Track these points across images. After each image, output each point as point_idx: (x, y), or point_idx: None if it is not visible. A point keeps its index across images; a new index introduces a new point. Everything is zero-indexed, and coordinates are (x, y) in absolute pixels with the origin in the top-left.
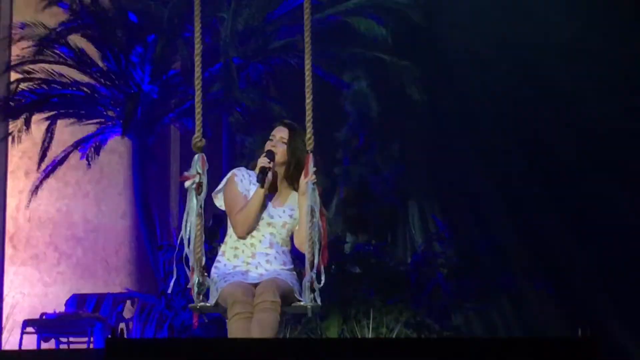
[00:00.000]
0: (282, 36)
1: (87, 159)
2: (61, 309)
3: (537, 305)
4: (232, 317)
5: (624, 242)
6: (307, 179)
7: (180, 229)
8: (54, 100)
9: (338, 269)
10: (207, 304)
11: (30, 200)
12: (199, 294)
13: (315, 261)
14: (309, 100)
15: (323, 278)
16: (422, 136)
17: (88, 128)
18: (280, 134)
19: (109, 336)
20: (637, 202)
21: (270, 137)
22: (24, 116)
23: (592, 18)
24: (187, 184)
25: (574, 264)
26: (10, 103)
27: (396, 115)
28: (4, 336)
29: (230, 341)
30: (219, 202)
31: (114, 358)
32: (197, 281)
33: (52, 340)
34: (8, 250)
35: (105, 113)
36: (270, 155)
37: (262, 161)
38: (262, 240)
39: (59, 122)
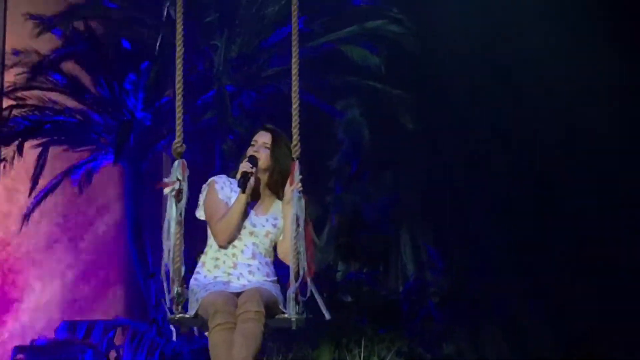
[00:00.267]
0: (274, 64)
1: (79, 186)
2: (51, 335)
3: (530, 332)
4: (213, 328)
5: (618, 267)
6: (293, 187)
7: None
8: (47, 127)
9: (330, 297)
10: (187, 315)
11: (22, 226)
12: (177, 305)
13: (301, 272)
14: (295, 105)
15: (309, 291)
16: (415, 165)
17: (80, 155)
18: (263, 139)
19: None
20: (631, 232)
21: (252, 142)
22: (16, 142)
23: (591, 49)
24: (166, 190)
25: (566, 291)
26: (3, 129)
27: (389, 144)
28: None
29: None
30: (199, 212)
31: None
32: (176, 292)
33: None
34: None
35: (98, 140)
36: (253, 160)
37: (244, 166)
38: (244, 250)
39: (51, 148)
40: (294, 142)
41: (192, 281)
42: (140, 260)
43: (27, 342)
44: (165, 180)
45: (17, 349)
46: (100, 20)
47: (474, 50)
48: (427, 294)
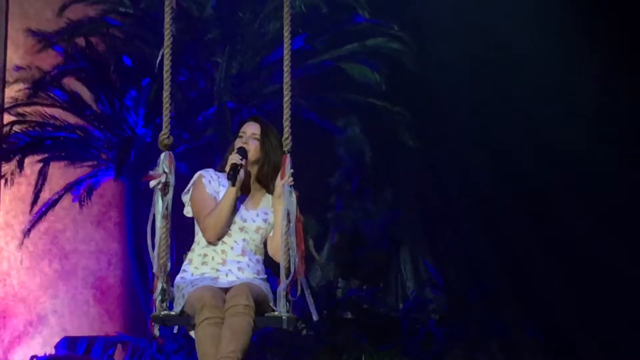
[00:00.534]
0: (275, 81)
1: (80, 202)
2: (52, 351)
3: (528, 352)
4: (200, 323)
5: (618, 288)
6: (284, 182)
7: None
8: (48, 143)
9: (330, 314)
10: (172, 312)
11: (22, 242)
12: (162, 302)
13: (292, 269)
14: (287, 98)
15: (299, 289)
16: (415, 182)
17: (81, 171)
18: (252, 129)
19: None
20: (631, 249)
21: (240, 134)
22: (16, 158)
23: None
24: (152, 183)
25: (565, 311)
26: (3, 145)
27: (389, 161)
28: None
29: None
30: (186, 209)
31: None
32: (160, 288)
33: None
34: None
35: (98, 156)
36: (243, 152)
37: (234, 158)
38: (234, 246)
39: (52, 164)
40: (285, 136)
41: (177, 278)
42: (140, 276)
43: (28, 358)
44: (151, 172)
45: None
46: (101, 37)
47: (474, 68)
48: (427, 312)
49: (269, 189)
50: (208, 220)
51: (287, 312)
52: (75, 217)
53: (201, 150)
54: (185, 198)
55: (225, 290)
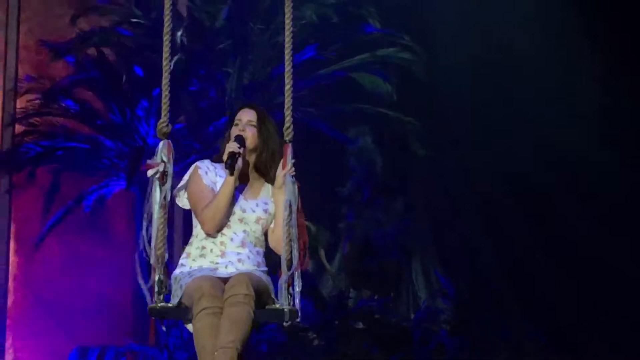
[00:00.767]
0: None
1: (91, 212)
2: None
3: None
4: (198, 313)
5: (619, 289)
6: (286, 172)
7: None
8: (59, 153)
9: (341, 324)
10: (169, 304)
11: (34, 253)
12: (159, 293)
13: (294, 262)
14: (288, 87)
15: (300, 283)
16: (426, 192)
17: (92, 180)
18: (248, 116)
19: None
20: (632, 250)
21: (236, 122)
22: (28, 168)
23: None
24: (149, 172)
25: (567, 312)
26: (15, 155)
27: (400, 171)
28: None
29: None
30: (182, 201)
31: None
32: (157, 279)
33: None
34: (10, 301)
35: (110, 166)
36: (240, 140)
37: (231, 146)
38: (233, 238)
39: (63, 174)
40: (287, 125)
41: (175, 271)
42: (151, 285)
43: None
44: (149, 161)
45: None
46: (112, 47)
47: (476, 70)
48: (439, 322)
49: (268, 178)
50: (206, 212)
51: (289, 305)
52: (86, 227)
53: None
54: (181, 190)
55: (225, 280)
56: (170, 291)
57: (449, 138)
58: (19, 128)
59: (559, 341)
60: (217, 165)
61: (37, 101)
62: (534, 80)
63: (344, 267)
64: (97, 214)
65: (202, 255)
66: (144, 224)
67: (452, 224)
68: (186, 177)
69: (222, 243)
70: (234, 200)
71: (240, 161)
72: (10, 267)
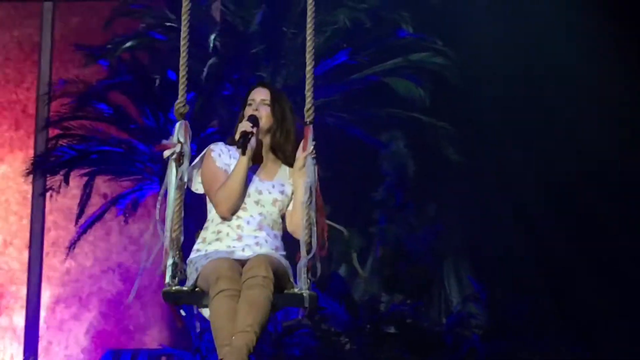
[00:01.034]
0: (319, 95)
1: (125, 215)
2: None
3: None
4: (215, 296)
5: None
6: (306, 153)
7: None
8: (93, 157)
9: (373, 329)
10: (184, 288)
11: (67, 256)
12: (173, 277)
13: (313, 245)
14: (309, 67)
15: (319, 268)
16: (459, 197)
17: (126, 184)
18: (261, 95)
19: None
20: None
21: (249, 102)
22: (62, 172)
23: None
24: (166, 153)
25: (611, 328)
26: (49, 159)
27: (433, 176)
28: None
29: None
30: (195, 185)
31: None
32: (172, 262)
33: None
34: (43, 307)
35: (143, 169)
36: (254, 119)
37: (244, 125)
38: (250, 221)
39: (97, 178)
40: (308, 106)
41: (190, 256)
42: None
43: None
44: (165, 142)
45: None
46: (146, 51)
47: (518, 83)
48: (471, 327)
49: (285, 160)
50: (220, 194)
51: (308, 289)
52: (120, 230)
53: None
54: (193, 174)
55: (242, 263)
56: (185, 276)
57: (482, 143)
58: (53, 132)
59: (595, 353)
60: (230, 147)
61: (72, 105)
62: (569, 85)
63: (376, 272)
64: (130, 217)
65: (218, 239)
66: (157, 205)
67: (486, 229)
68: (197, 160)
69: (238, 226)
70: (248, 181)
71: (253, 141)
72: (43, 270)
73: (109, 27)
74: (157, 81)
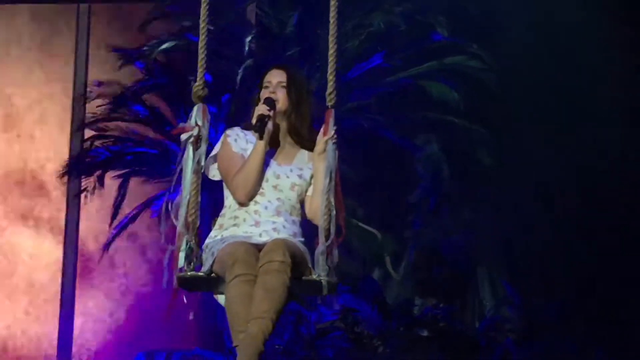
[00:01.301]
0: (354, 98)
1: (159, 217)
2: None
3: None
4: (231, 280)
5: None
6: (327, 138)
7: None
8: (128, 158)
9: (406, 332)
10: (200, 273)
11: (101, 257)
12: (189, 262)
13: (332, 231)
14: (332, 51)
15: (336, 255)
16: (493, 201)
17: (161, 186)
18: (278, 78)
19: None
20: None
21: (265, 84)
22: (97, 173)
23: None
24: (183, 136)
25: None
26: (85, 160)
27: (467, 180)
28: None
29: None
30: (212, 172)
31: None
32: (188, 246)
33: None
34: (77, 304)
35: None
36: (270, 102)
37: (261, 109)
38: (268, 206)
39: (131, 179)
40: (330, 90)
41: (207, 240)
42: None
43: None
44: (182, 124)
45: None
46: (181, 53)
47: (554, 87)
48: (504, 331)
49: (301, 143)
50: (237, 179)
51: (327, 276)
52: (152, 232)
53: None
54: (210, 161)
55: (259, 248)
56: (201, 262)
57: (516, 147)
58: (88, 133)
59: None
60: (247, 132)
61: (107, 106)
62: (603, 91)
63: (409, 275)
64: (164, 219)
65: (235, 225)
66: (171, 188)
67: (520, 233)
68: (216, 147)
69: (256, 212)
70: (266, 166)
71: (270, 124)
72: (78, 270)
73: (144, 29)
74: (192, 83)
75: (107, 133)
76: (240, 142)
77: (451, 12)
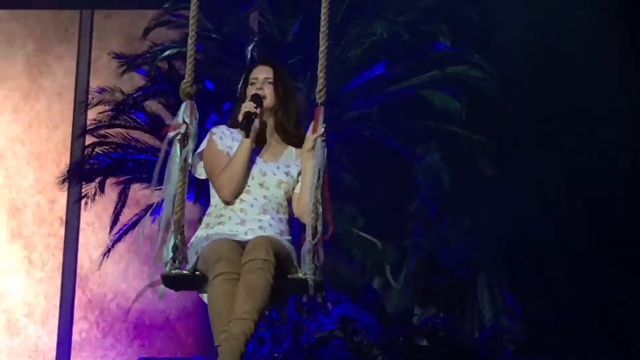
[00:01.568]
0: (356, 107)
1: (159, 223)
2: None
3: None
4: (214, 279)
5: None
6: (316, 135)
7: None
8: (129, 165)
9: (405, 341)
10: (185, 272)
11: (101, 264)
12: (174, 260)
13: (319, 229)
14: (322, 48)
15: (322, 254)
16: (493, 211)
17: (160, 192)
18: (264, 74)
19: None
20: None
21: (251, 81)
22: (98, 179)
23: None
24: (170, 134)
25: None
26: (85, 166)
27: (468, 189)
28: None
29: None
30: (198, 170)
31: None
32: (173, 245)
33: None
34: (76, 313)
35: None
36: (257, 99)
37: (247, 106)
38: (254, 204)
39: (132, 186)
40: (320, 87)
41: (192, 239)
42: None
43: None
44: (169, 122)
45: None
46: (183, 61)
47: (556, 97)
48: (504, 341)
49: (290, 140)
50: (222, 177)
51: (313, 274)
52: (153, 238)
53: None
54: (196, 160)
55: (244, 245)
56: (187, 260)
57: (517, 157)
58: (89, 139)
59: None
60: (233, 130)
61: (108, 113)
62: (609, 101)
63: (409, 284)
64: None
65: (220, 223)
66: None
67: (521, 242)
68: (202, 145)
69: (242, 210)
70: (252, 163)
71: (257, 122)
72: (77, 277)
73: (146, 36)
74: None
75: (108, 140)
76: (226, 139)
77: (453, 22)
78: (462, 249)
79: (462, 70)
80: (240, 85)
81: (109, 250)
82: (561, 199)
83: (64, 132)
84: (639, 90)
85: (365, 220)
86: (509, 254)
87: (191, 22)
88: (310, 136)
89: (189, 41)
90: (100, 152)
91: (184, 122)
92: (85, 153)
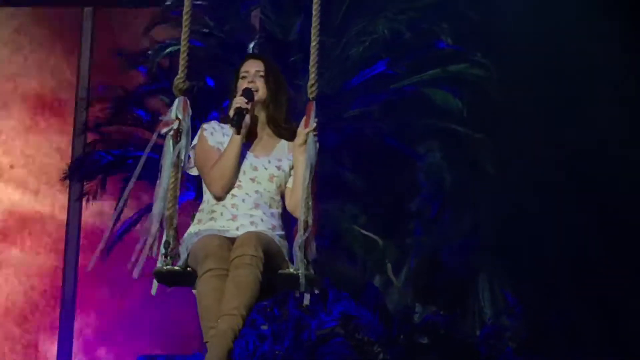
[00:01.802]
0: (357, 105)
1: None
2: None
3: None
4: (203, 275)
5: None
6: (308, 130)
7: None
8: (130, 162)
9: (406, 339)
10: (176, 268)
11: (103, 260)
12: (166, 255)
13: (309, 223)
14: (314, 43)
15: (314, 249)
16: (495, 210)
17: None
18: (255, 67)
19: None
20: None
21: (242, 74)
22: (99, 177)
23: None
24: (163, 130)
25: None
26: (87, 164)
27: (469, 188)
28: None
29: None
30: (189, 165)
31: None
32: (165, 241)
33: None
34: (77, 313)
35: None
36: (249, 94)
37: (238, 101)
38: (245, 199)
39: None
40: (311, 82)
41: (184, 235)
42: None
43: None
44: (162, 119)
45: None
46: None
47: (558, 96)
48: (505, 339)
49: (282, 134)
50: (213, 173)
51: (305, 270)
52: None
53: None
54: (188, 156)
55: (234, 241)
56: (179, 255)
57: (519, 156)
58: (90, 136)
59: None
60: (224, 125)
61: (109, 110)
62: (611, 100)
63: (410, 282)
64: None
65: (212, 219)
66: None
67: (522, 241)
68: (194, 141)
69: (233, 205)
70: (243, 158)
71: (247, 117)
72: (79, 274)
73: (148, 34)
74: (195, 88)
75: (110, 137)
76: (217, 135)
77: (455, 20)
78: (463, 247)
79: (463, 68)
80: (231, 80)
81: (110, 248)
82: (563, 199)
83: (65, 129)
84: (639, 90)
85: (366, 218)
86: (510, 253)
87: (184, 17)
88: (302, 131)
89: (182, 37)
90: (101, 149)
91: (177, 118)
92: (87, 150)
